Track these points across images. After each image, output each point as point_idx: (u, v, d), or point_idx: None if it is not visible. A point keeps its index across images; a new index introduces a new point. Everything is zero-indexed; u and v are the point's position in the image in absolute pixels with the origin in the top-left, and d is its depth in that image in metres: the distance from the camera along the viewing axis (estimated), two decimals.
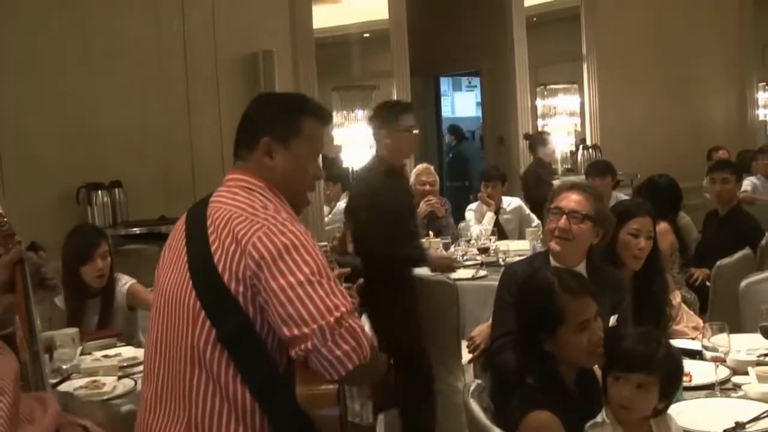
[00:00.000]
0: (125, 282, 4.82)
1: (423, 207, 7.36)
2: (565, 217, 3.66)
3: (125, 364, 4.01)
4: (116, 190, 7.00)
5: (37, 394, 1.66)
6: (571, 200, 3.70)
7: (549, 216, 3.76)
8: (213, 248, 2.33)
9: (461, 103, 15.03)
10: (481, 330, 4.04)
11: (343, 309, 2.26)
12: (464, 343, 4.87)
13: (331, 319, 2.22)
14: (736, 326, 4.28)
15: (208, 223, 2.40)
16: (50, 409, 1.64)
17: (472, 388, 2.92)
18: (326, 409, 2.28)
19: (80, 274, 4.66)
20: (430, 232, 7.01)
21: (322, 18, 8.77)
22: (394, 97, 8.97)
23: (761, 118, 12.10)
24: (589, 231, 3.67)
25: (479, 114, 13.02)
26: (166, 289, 2.43)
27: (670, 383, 2.73)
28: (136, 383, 3.66)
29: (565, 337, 2.81)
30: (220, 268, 2.30)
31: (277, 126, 2.57)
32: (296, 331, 2.22)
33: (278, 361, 2.33)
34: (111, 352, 4.20)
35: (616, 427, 2.70)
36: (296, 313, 2.23)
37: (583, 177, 8.26)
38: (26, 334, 2.44)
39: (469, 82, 14.78)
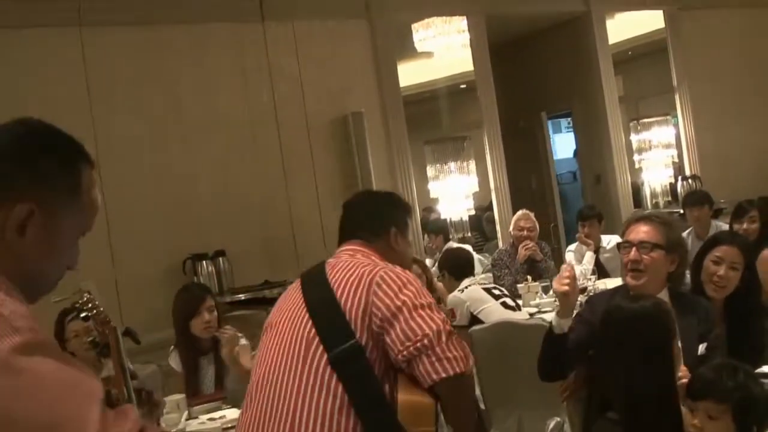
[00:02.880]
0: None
1: (522, 252, 7.43)
2: (634, 249, 3.66)
3: (229, 425, 4.12)
4: (220, 259, 7.23)
5: (120, 409, 1.80)
6: (640, 231, 3.70)
7: (621, 251, 3.77)
8: (335, 289, 2.66)
9: (561, 144, 14.92)
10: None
11: (449, 321, 2.63)
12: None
13: (448, 326, 2.56)
14: None
15: (328, 270, 2.75)
16: (132, 415, 1.76)
17: (551, 426, 2.96)
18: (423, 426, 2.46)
19: (190, 329, 4.98)
20: (529, 277, 7.03)
21: (409, 75, 8.94)
22: (486, 147, 9.08)
23: None
24: (661, 259, 3.65)
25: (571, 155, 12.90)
26: (282, 328, 2.72)
27: (746, 414, 2.69)
28: None
29: (676, 351, 2.90)
30: (342, 302, 2.62)
31: (398, 219, 3.06)
32: (414, 338, 2.51)
33: (385, 385, 2.54)
34: (216, 414, 4.34)
35: None
36: (410, 329, 2.53)
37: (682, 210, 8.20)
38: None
39: (569, 123, 14.70)
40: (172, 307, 5.13)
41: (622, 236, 3.82)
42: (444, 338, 2.50)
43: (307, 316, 2.64)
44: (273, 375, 2.61)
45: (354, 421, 2.44)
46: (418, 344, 2.48)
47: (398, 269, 2.73)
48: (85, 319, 3.71)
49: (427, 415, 2.44)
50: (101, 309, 3.72)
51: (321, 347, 2.54)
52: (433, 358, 2.47)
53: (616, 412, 2.84)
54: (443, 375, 2.43)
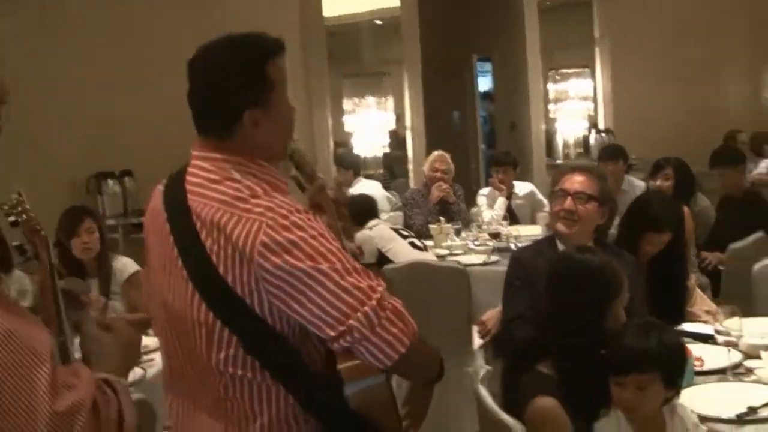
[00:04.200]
0: (129, 266, 4.91)
1: (435, 193, 7.36)
2: (570, 198, 3.64)
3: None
4: (126, 179, 7.01)
5: (68, 366, 1.66)
6: (576, 181, 3.68)
7: (554, 199, 3.73)
8: (214, 258, 2.05)
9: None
10: (492, 314, 4.02)
11: (380, 289, 2.04)
12: (475, 329, 4.86)
13: (374, 303, 2.01)
14: (749, 310, 4.24)
15: (194, 219, 2.10)
16: (85, 377, 1.63)
17: (481, 374, 2.90)
18: (372, 377, 2.10)
19: (71, 249, 4.84)
20: (442, 218, 6.98)
21: (334, 5, 8.75)
22: (406, 85, 8.97)
23: None
24: (595, 211, 3.66)
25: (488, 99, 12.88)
26: (171, 306, 2.18)
27: (673, 372, 2.68)
28: (145, 372, 3.65)
29: (616, 310, 2.84)
30: (229, 280, 2.03)
31: (249, 92, 2.15)
32: (340, 327, 1.99)
33: (315, 360, 2.13)
34: None
35: (623, 422, 2.66)
36: (334, 309, 1.99)
37: (595, 161, 8.23)
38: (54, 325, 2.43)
39: (483, 68, 14.68)
40: (57, 228, 4.95)
41: (555, 184, 3.76)
42: (375, 320, 2.00)
43: (197, 297, 2.08)
44: (185, 366, 2.20)
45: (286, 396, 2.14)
46: (348, 338, 1.99)
47: (278, 219, 2.02)
48: (13, 224, 3.48)
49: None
50: (32, 215, 3.49)
51: (228, 335, 2.07)
52: (373, 348, 2.01)
53: (551, 366, 2.79)
54: (389, 363, 2.03)
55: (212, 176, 2.14)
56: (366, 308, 2.00)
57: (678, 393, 2.73)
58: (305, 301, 2.00)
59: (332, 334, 2.00)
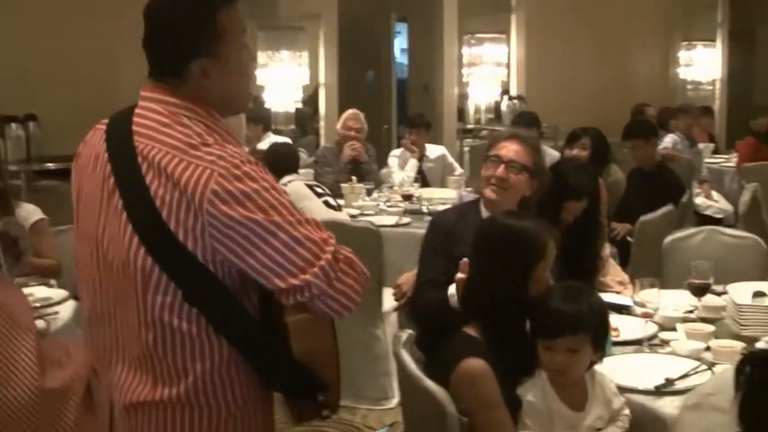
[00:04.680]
0: (33, 213, 4.67)
1: (347, 152, 7.29)
2: (503, 166, 3.61)
3: (38, 305, 3.81)
4: (31, 123, 6.77)
5: (56, 341, 1.53)
6: (511, 150, 3.64)
7: (486, 163, 3.68)
8: (158, 202, 1.98)
9: None
10: (407, 277, 3.97)
11: (332, 241, 2.03)
12: (386, 291, 4.82)
13: (329, 256, 1.98)
14: (659, 282, 4.30)
15: (140, 161, 2.02)
16: (75, 355, 1.49)
17: (403, 338, 2.85)
18: (317, 328, 2.11)
19: None
20: (353, 177, 6.92)
21: None
22: (321, 40, 8.85)
23: (681, 76, 12.23)
24: (525, 182, 3.64)
25: (403, 60, 12.80)
26: (105, 250, 2.08)
27: (600, 333, 2.72)
28: (48, 325, 3.53)
29: (540, 273, 2.82)
30: (172, 225, 1.97)
31: (200, 42, 2.07)
32: (294, 281, 1.96)
33: (251, 312, 2.08)
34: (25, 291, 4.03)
35: (548, 386, 2.69)
36: (287, 261, 1.96)
37: (506, 127, 8.27)
38: None
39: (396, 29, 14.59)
40: None
41: (490, 148, 3.72)
42: (332, 273, 1.98)
43: (135, 241, 2.01)
44: (111, 318, 2.11)
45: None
46: (306, 293, 1.97)
47: (230, 168, 1.96)
48: None
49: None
50: None
51: (170, 285, 2.00)
52: (331, 301, 2.00)
53: (477, 329, 2.77)
54: (346, 313, 2.04)
55: (162, 119, 2.06)
56: (322, 262, 1.98)
57: (603, 356, 2.77)
58: (257, 253, 1.97)
59: (282, 285, 1.97)
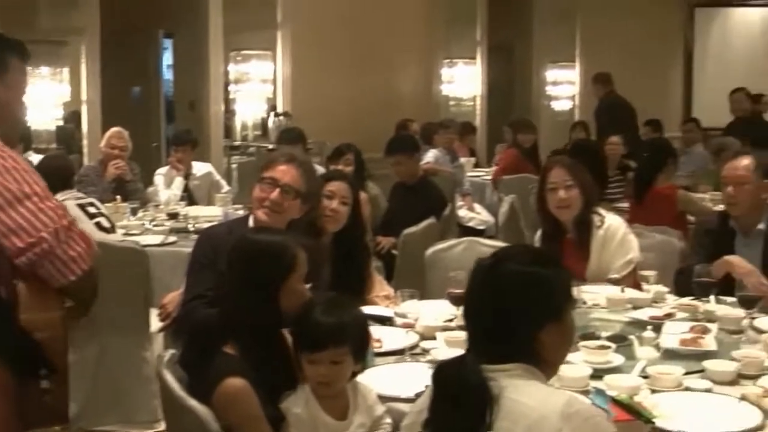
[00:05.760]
0: None
1: (111, 170, 7.15)
2: (278, 190, 3.63)
3: None
4: None
5: None
6: (287, 174, 3.67)
7: (261, 184, 3.69)
8: None
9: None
10: (172, 297, 3.94)
11: (71, 218, 2.48)
12: (153, 312, 4.74)
13: (65, 222, 2.43)
14: (422, 293, 4.43)
15: None
16: None
17: (166, 358, 2.81)
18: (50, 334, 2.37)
19: None
20: (118, 197, 6.77)
21: None
22: (83, 57, 8.62)
23: (444, 93, 12.61)
24: (296, 207, 3.68)
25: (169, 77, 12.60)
26: None
27: (361, 345, 2.79)
28: None
29: (293, 286, 2.85)
30: None
31: None
32: (28, 239, 2.35)
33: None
34: None
35: (311, 399, 2.72)
36: (27, 222, 2.36)
37: (274, 144, 8.32)
38: None
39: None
40: None
41: (265, 169, 3.73)
42: (63, 236, 2.40)
43: None
44: None
45: None
46: (37, 250, 2.36)
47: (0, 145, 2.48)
48: None
49: (54, 324, 2.41)
50: None
51: None
52: (57, 262, 2.39)
53: (235, 346, 2.77)
54: (70, 278, 2.40)
55: None
56: (57, 226, 2.40)
57: (364, 368, 2.84)
58: (1, 215, 2.35)
59: (21, 245, 2.34)
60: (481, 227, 8.61)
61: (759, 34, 15.57)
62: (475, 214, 8.83)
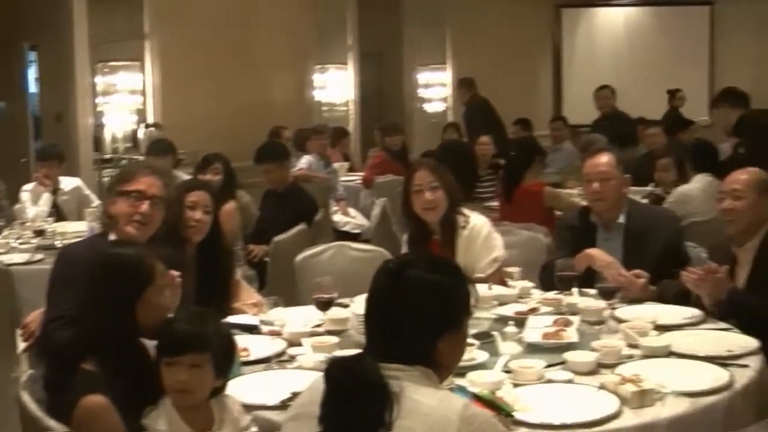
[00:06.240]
0: None
1: None
2: (148, 202, 3.63)
3: None
4: None
5: None
6: (153, 185, 3.68)
7: (126, 198, 3.66)
8: None
9: None
10: (35, 316, 3.86)
11: None
12: (19, 332, 4.64)
13: None
14: (293, 299, 4.44)
15: None
16: None
17: (23, 379, 2.76)
18: None
19: None
20: None
21: None
22: None
23: (317, 98, 12.63)
24: (161, 217, 3.69)
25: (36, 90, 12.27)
26: None
27: (223, 359, 2.77)
28: None
29: (150, 299, 2.84)
30: None
31: None
32: None
33: None
34: None
35: (173, 413, 2.69)
36: None
37: (144, 156, 8.21)
38: None
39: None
40: None
41: (125, 182, 3.71)
42: None
43: None
44: None
45: None
46: None
47: None
48: None
49: None
50: None
51: None
52: None
53: (95, 363, 2.73)
54: None
55: None
56: None
57: (225, 384, 2.82)
58: None
59: None
60: (357, 231, 8.64)
61: (623, 33, 16.14)
62: (350, 219, 8.86)
